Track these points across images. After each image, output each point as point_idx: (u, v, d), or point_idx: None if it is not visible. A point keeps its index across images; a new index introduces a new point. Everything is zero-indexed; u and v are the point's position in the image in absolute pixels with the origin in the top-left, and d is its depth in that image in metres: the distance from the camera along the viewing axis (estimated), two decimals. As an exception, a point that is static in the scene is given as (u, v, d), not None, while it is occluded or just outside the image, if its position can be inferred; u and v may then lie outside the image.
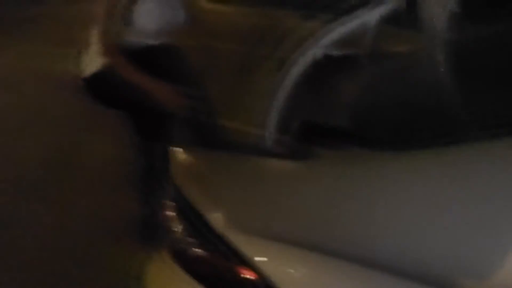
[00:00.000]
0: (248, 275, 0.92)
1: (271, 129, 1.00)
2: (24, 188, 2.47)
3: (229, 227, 0.95)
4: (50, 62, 4.04)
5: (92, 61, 1.79)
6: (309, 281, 0.90)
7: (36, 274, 1.96)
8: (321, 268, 0.89)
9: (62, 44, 4.51)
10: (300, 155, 1.00)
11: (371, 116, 1.00)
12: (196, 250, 0.99)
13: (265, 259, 0.91)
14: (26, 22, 5.29)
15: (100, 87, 1.80)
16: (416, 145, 0.96)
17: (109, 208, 2.31)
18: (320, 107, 0.99)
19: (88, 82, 1.83)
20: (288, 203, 0.96)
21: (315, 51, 0.97)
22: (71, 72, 3.67)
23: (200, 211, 1.00)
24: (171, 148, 1.19)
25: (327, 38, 0.97)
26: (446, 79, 0.94)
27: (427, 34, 0.98)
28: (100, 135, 2.93)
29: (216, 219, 0.98)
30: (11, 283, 1.95)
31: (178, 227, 1.05)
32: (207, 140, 1.08)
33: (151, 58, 1.64)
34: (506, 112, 0.95)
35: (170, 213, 1.08)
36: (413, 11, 0.99)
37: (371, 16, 0.98)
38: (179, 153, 1.15)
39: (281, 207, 0.96)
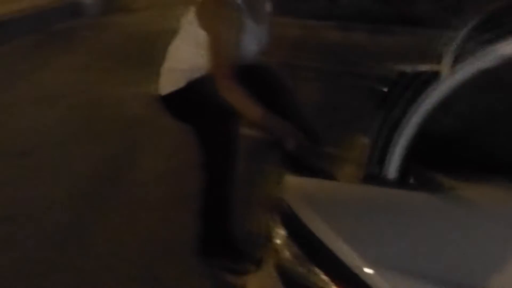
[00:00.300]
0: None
1: (397, 158, 0.93)
2: (76, 202, 2.41)
3: (356, 257, 0.88)
4: (93, 75, 4.08)
5: (171, 81, 1.90)
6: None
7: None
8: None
9: (102, 56, 4.57)
10: (431, 185, 0.93)
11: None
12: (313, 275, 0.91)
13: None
14: (67, 34, 5.37)
15: (175, 104, 1.90)
16: None
17: (165, 225, 2.23)
18: (457, 132, 0.92)
19: (166, 100, 1.93)
20: (420, 236, 0.88)
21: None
22: (113, 86, 3.76)
23: (320, 239, 0.93)
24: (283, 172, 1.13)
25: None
26: None
27: None
28: (149, 151, 2.89)
29: (341, 249, 0.90)
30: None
31: (289, 252, 0.97)
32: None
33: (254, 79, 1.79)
34: None
35: (279, 237, 1.01)
36: None
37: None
38: (296, 179, 1.09)
39: (412, 240, 0.88)
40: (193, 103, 1.83)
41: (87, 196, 2.46)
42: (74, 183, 2.56)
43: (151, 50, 4.88)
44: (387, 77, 1.99)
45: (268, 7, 1.98)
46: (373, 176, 1.62)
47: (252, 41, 1.85)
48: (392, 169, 1.01)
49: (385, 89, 1.79)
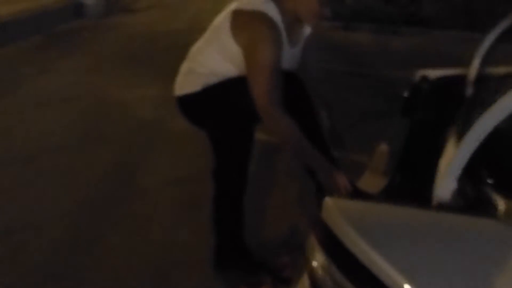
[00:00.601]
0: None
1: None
2: (83, 211, 2.34)
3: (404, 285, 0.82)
4: (97, 78, 4.02)
5: (188, 82, 1.82)
6: None
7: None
8: None
9: (106, 58, 4.51)
10: (483, 206, 0.88)
11: None
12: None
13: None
14: (70, 35, 5.30)
15: (190, 107, 1.83)
16: None
17: (179, 234, 2.17)
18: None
19: (181, 101, 1.86)
20: (475, 266, 0.82)
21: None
22: (119, 89, 3.69)
23: (363, 263, 0.88)
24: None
25: None
26: None
27: None
28: (159, 156, 2.83)
29: (387, 275, 0.84)
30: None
31: (327, 275, 0.92)
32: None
33: None
34: None
35: (318, 260, 0.96)
36: None
37: None
38: (338, 201, 1.03)
39: (467, 270, 0.82)
40: (208, 108, 1.77)
41: (95, 204, 2.40)
42: (81, 191, 2.49)
43: (156, 51, 4.87)
44: (406, 81, 1.95)
45: (305, 31, 1.88)
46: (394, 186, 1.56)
47: (283, 65, 1.72)
48: (446, 189, 0.94)
49: (406, 94, 1.75)
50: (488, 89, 1.30)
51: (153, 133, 3.08)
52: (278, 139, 1.72)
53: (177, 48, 1.96)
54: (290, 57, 1.78)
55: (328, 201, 0.99)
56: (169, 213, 2.34)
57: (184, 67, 1.87)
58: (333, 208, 0.97)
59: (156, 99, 3.42)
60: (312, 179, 1.83)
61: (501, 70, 1.54)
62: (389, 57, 4.40)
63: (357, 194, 1.51)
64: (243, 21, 1.68)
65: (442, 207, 0.95)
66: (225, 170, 1.81)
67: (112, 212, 2.34)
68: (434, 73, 1.64)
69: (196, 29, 1.91)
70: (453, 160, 1.02)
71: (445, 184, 0.95)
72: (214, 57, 1.76)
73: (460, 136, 1.10)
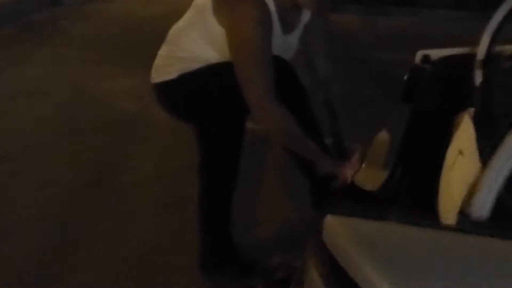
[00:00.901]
0: None
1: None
2: (61, 211, 2.19)
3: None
4: (75, 69, 3.81)
5: (166, 68, 1.63)
6: None
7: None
8: None
9: (83, 48, 4.29)
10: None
11: None
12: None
13: None
14: (45, 24, 5.07)
15: (169, 96, 1.64)
16: None
17: (162, 235, 2.03)
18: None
19: (159, 89, 1.67)
20: None
21: None
22: (98, 80, 3.50)
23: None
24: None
25: None
26: None
27: None
28: (141, 151, 2.65)
29: None
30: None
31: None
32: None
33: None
34: None
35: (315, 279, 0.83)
36: None
37: None
38: (337, 219, 0.89)
39: None
40: (189, 97, 1.60)
41: (73, 204, 2.25)
42: (59, 191, 2.33)
43: (136, 38, 4.65)
44: (403, 63, 1.80)
45: (304, 17, 1.65)
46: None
47: (275, 53, 1.51)
48: (483, 206, 0.79)
49: (406, 77, 1.60)
50: (502, 72, 1.16)
51: (135, 126, 2.89)
52: (274, 136, 1.57)
53: (158, 34, 1.78)
54: (283, 45, 1.58)
55: (329, 219, 0.85)
56: (152, 212, 2.19)
57: (162, 51, 1.67)
58: (335, 228, 0.83)
59: (137, 89, 3.22)
60: (306, 176, 1.69)
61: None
62: (380, 39, 4.23)
63: (353, 191, 1.37)
64: (225, 1, 1.50)
65: (476, 226, 0.81)
66: (213, 165, 1.66)
67: (91, 213, 2.19)
68: (436, 53, 1.48)
69: (177, 13, 1.73)
70: (490, 171, 0.87)
71: (481, 201, 0.80)
72: (195, 40, 1.56)
73: (482, 132, 0.96)
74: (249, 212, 2.11)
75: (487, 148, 0.93)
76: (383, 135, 1.64)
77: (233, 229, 1.78)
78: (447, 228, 0.93)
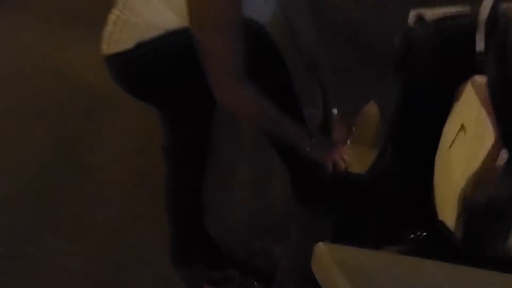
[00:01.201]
0: None
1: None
2: (23, 197, 2.03)
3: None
4: (29, 37, 3.51)
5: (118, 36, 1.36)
6: None
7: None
8: None
9: (38, 12, 3.96)
10: None
11: None
12: None
13: None
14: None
15: (124, 71, 1.39)
16: None
17: (131, 222, 1.88)
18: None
19: (112, 62, 1.41)
20: None
21: None
22: (56, 49, 3.24)
23: None
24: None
25: None
26: None
27: None
28: (107, 128, 2.43)
29: None
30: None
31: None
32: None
33: None
34: None
35: None
36: None
37: None
38: (329, 247, 0.75)
39: None
40: (147, 73, 1.36)
41: (37, 187, 2.09)
42: (16, 175, 2.14)
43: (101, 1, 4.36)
44: (392, 26, 1.60)
45: None
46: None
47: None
48: None
49: (397, 42, 1.40)
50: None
51: (98, 101, 2.63)
52: (244, 118, 1.36)
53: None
54: (258, 3, 1.34)
55: (320, 247, 0.74)
56: (119, 196, 2.02)
57: (113, 15, 1.41)
58: (326, 258, 0.72)
59: (102, 61, 2.99)
60: (286, 164, 1.50)
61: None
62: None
63: (341, 182, 1.20)
64: None
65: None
66: (178, 150, 1.48)
67: (57, 196, 2.04)
68: (432, 13, 1.28)
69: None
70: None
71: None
72: (151, 2, 1.32)
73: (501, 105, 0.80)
74: (223, 197, 1.94)
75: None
76: (371, 109, 1.46)
77: (205, 215, 1.61)
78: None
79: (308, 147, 1.31)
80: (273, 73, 1.40)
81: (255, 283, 1.53)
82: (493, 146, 0.84)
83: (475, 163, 0.86)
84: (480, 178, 0.86)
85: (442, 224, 1.03)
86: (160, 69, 1.34)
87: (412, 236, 0.97)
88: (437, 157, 1.20)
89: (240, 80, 1.23)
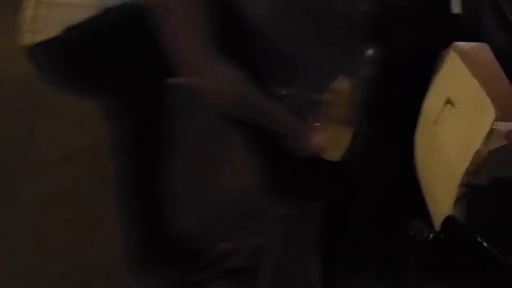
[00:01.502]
0: None
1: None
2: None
3: None
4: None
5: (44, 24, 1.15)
6: None
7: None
8: None
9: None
10: None
11: None
12: None
13: None
14: None
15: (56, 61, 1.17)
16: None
17: (82, 226, 1.75)
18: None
19: (36, 53, 1.20)
20: None
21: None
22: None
23: None
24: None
25: None
26: None
27: None
28: (52, 123, 2.24)
29: None
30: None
31: None
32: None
33: None
34: None
35: None
36: None
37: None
38: None
39: None
40: (80, 63, 1.17)
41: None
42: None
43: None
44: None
45: None
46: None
47: None
48: None
49: (366, 9, 1.29)
50: None
51: (41, 94, 2.44)
52: (223, 105, 1.18)
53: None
54: None
55: None
56: (71, 197, 1.87)
57: None
58: None
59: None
60: (260, 151, 1.35)
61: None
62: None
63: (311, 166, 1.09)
64: None
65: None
66: (135, 141, 1.31)
67: (2, 201, 1.86)
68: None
69: None
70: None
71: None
72: None
73: None
74: (191, 190, 1.81)
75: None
76: (342, 84, 1.35)
77: (171, 212, 1.46)
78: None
79: (300, 131, 1.18)
80: (240, 49, 1.24)
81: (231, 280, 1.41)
82: (496, 120, 0.74)
83: (475, 142, 0.76)
84: (482, 158, 0.76)
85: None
86: (98, 52, 1.15)
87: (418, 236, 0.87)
88: (417, 133, 1.11)
89: (215, 57, 1.07)
